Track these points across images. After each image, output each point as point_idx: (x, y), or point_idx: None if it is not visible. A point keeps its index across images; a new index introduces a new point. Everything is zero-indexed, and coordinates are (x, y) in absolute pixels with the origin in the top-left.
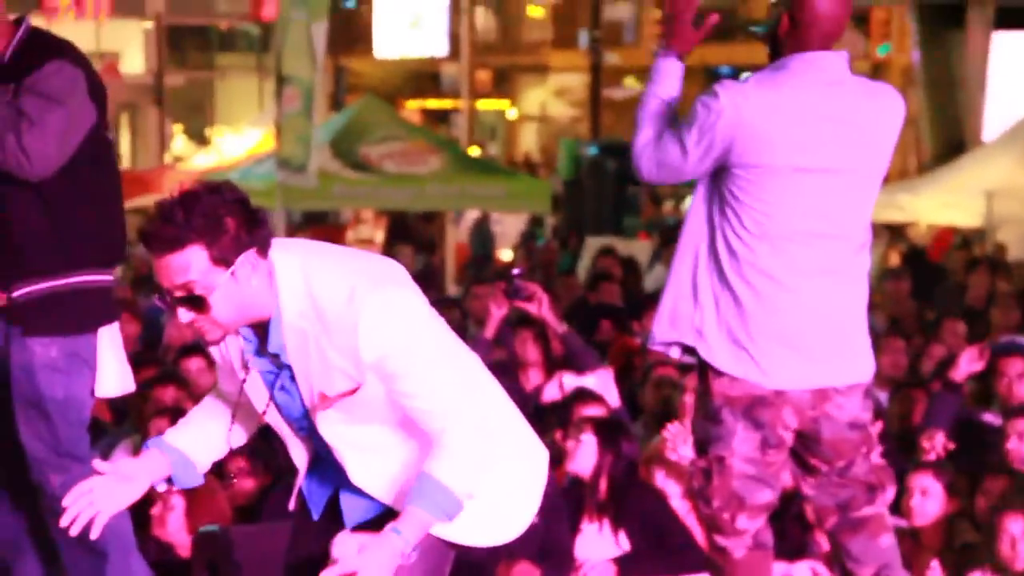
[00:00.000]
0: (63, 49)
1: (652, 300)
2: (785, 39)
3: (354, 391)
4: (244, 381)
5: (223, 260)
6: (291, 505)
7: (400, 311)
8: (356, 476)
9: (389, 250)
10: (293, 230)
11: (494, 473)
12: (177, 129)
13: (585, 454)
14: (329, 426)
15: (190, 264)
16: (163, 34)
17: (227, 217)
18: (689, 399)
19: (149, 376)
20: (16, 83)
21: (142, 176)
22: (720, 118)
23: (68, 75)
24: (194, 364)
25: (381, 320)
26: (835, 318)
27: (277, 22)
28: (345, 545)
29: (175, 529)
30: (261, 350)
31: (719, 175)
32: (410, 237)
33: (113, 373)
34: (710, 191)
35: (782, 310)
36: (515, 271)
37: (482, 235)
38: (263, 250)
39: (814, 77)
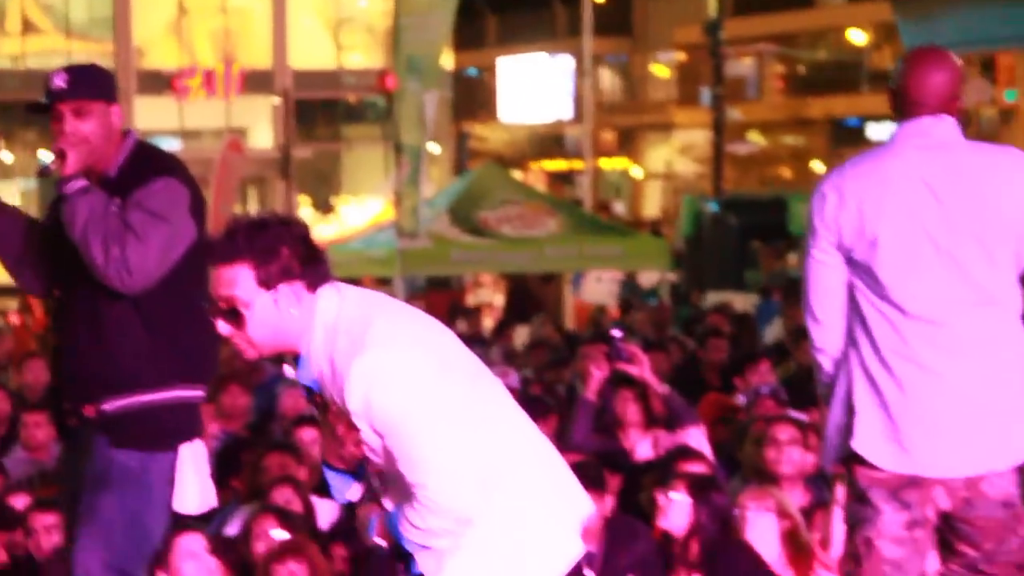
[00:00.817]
0: (171, 166)
1: (759, 355)
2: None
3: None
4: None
5: (267, 283)
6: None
7: (390, 371)
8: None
9: (509, 314)
10: (413, 295)
11: (486, 537)
12: (304, 200)
13: (678, 512)
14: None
15: (237, 279)
16: (291, 108)
17: (283, 246)
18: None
19: (263, 446)
20: (123, 196)
21: None
22: (825, 204)
23: (174, 192)
24: (307, 434)
25: (369, 377)
26: (986, 396)
27: (396, 92)
28: None
29: None
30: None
31: (850, 267)
32: (530, 299)
33: (195, 488)
34: (850, 287)
35: (926, 395)
36: (616, 333)
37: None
38: (312, 286)
39: (915, 143)
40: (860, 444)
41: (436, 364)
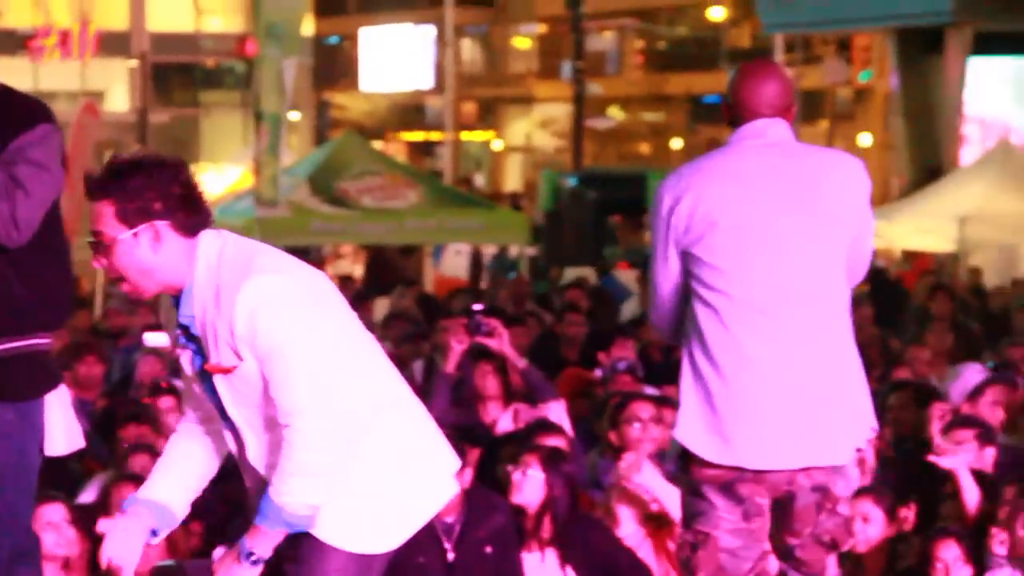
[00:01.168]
0: (47, 111)
1: (621, 331)
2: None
3: (236, 367)
4: (179, 360)
5: (126, 221)
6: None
7: (278, 295)
8: (250, 453)
9: (369, 285)
10: None
11: (358, 477)
12: None
13: (531, 487)
14: (228, 404)
15: (101, 215)
16: (148, 72)
17: (150, 188)
18: (636, 430)
19: (121, 414)
20: None
21: None
22: (661, 205)
23: (53, 140)
24: (164, 403)
25: (257, 299)
26: (810, 390)
27: (255, 58)
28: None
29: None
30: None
31: (686, 262)
32: (390, 271)
33: (61, 432)
34: (685, 282)
35: (749, 386)
36: (476, 306)
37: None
38: (187, 228)
39: (750, 143)
40: (684, 436)
41: (319, 297)
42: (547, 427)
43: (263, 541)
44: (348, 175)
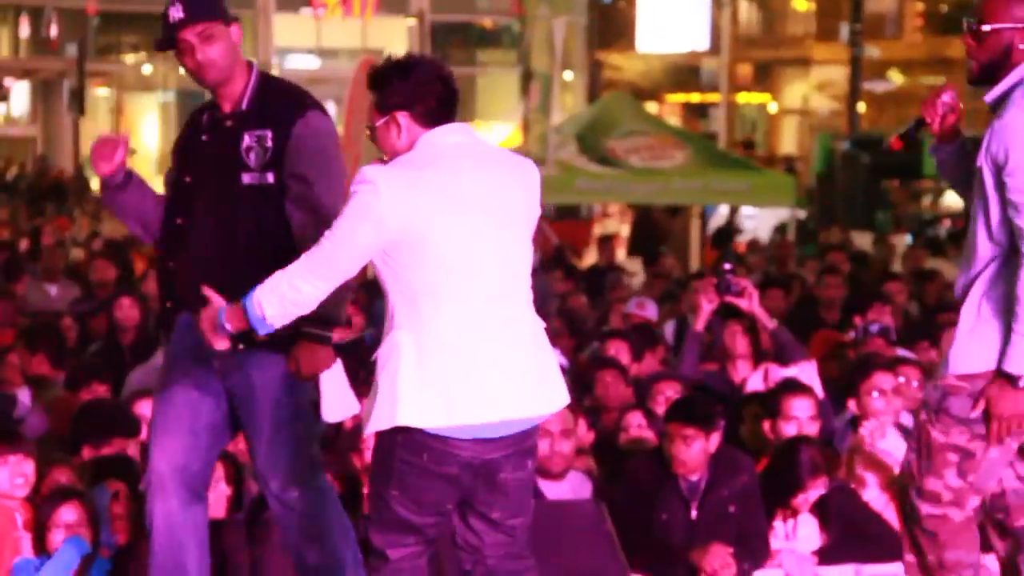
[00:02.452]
0: (314, 99)
1: (878, 295)
2: None
3: None
4: None
5: (379, 110)
6: None
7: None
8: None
9: (633, 246)
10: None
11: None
12: None
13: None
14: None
15: (368, 105)
16: (426, 30)
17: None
18: (877, 400)
19: None
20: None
21: None
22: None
23: (332, 126)
24: None
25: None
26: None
27: (526, 17)
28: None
29: None
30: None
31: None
32: (655, 232)
33: (336, 401)
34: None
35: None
36: (726, 266)
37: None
38: (417, 118)
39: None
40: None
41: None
42: (796, 387)
43: (234, 317)
44: (616, 134)
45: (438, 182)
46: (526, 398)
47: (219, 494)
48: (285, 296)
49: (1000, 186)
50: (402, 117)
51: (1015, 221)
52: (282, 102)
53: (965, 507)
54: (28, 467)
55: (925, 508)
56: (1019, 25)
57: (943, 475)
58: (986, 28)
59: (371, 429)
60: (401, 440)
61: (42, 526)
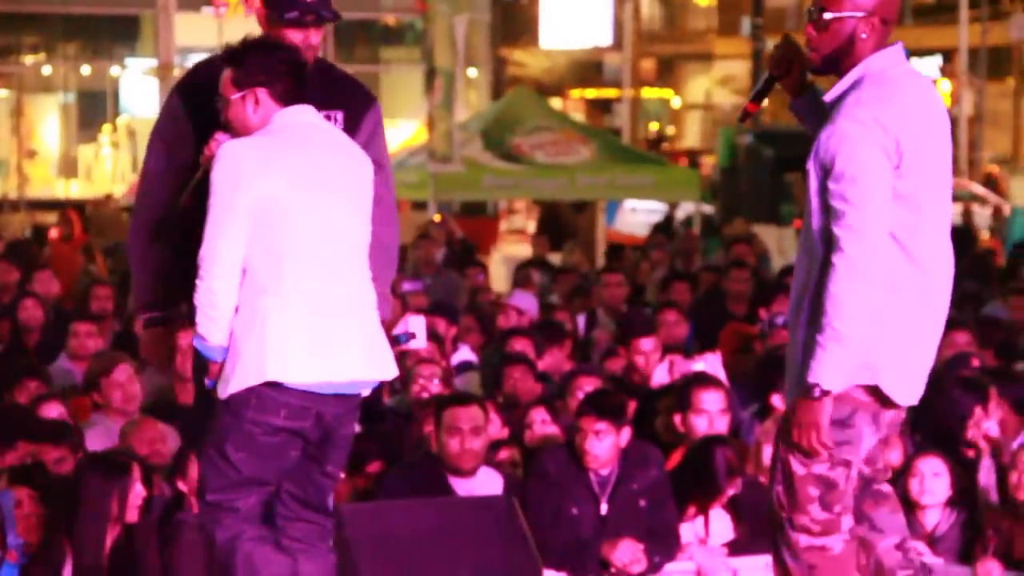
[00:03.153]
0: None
1: (783, 287)
2: None
3: None
4: None
5: (237, 84)
6: None
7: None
8: None
9: (539, 241)
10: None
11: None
12: None
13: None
14: None
15: (224, 78)
16: (329, 28)
17: (254, 59)
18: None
19: None
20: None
21: None
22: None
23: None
24: None
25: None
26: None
27: (427, 14)
28: None
29: None
30: None
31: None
32: (561, 228)
33: None
34: None
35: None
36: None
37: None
38: (275, 96)
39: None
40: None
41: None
42: (706, 380)
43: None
44: (521, 130)
45: (293, 156)
46: (375, 362)
47: (134, 495)
48: (205, 310)
49: (823, 191)
50: (262, 93)
51: (833, 228)
52: (350, 85)
53: (841, 531)
54: None
55: (802, 540)
56: (861, 14)
57: (807, 510)
58: (828, 16)
59: (235, 387)
60: (256, 401)
61: None
